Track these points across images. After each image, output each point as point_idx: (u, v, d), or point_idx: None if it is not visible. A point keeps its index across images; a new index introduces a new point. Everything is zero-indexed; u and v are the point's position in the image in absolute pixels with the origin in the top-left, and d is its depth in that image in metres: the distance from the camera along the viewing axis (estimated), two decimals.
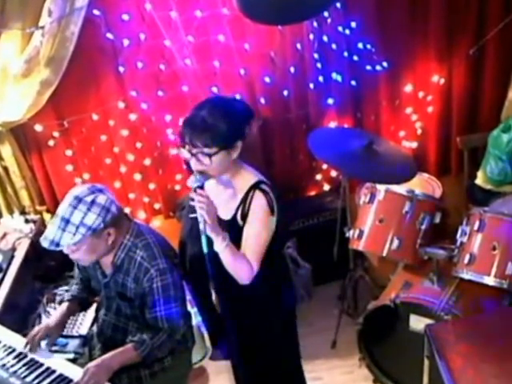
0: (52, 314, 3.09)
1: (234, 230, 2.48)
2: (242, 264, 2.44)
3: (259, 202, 2.47)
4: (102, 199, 2.45)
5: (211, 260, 2.36)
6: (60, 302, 2.93)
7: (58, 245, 2.43)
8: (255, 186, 2.49)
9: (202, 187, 2.41)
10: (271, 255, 2.56)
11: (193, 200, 2.36)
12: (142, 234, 2.62)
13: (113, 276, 2.64)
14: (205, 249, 2.34)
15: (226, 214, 2.54)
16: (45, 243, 2.44)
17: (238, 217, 2.51)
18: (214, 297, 2.53)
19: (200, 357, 3.50)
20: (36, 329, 2.73)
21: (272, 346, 2.84)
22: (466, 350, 2.46)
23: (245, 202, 2.49)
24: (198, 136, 2.35)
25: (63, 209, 2.43)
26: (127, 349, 2.60)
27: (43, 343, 2.70)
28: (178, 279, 2.62)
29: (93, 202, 2.43)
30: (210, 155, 2.37)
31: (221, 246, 2.37)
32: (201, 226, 2.33)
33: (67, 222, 2.40)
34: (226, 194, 2.56)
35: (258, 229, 2.48)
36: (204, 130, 2.35)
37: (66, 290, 3.30)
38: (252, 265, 2.46)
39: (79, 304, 2.89)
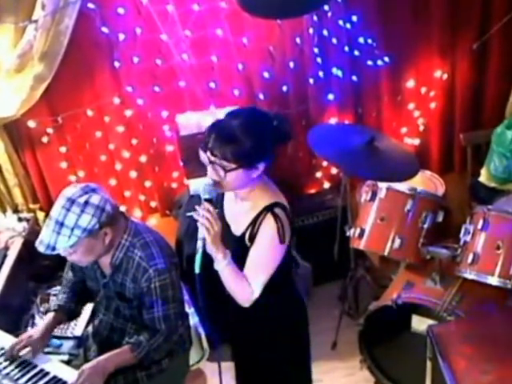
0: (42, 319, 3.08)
1: (240, 248, 2.37)
2: (242, 286, 2.33)
3: (269, 227, 2.31)
4: (95, 199, 2.43)
5: (201, 282, 2.23)
6: (46, 312, 2.88)
7: (54, 249, 2.40)
8: (268, 208, 2.32)
9: (210, 200, 2.26)
10: (279, 280, 2.43)
11: (196, 211, 2.25)
12: (140, 233, 2.61)
13: (112, 276, 2.64)
14: (197, 269, 2.21)
15: (237, 229, 2.43)
16: (41, 248, 2.41)
17: (246, 237, 2.36)
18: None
19: (197, 358, 3.50)
20: (18, 339, 2.70)
21: (281, 367, 2.74)
22: (469, 352, 2.47)
23: (254, 223, 2.33)
24: (220, 145, 2.20)
25: (56, 211, 2.41)
26: (123, 350, 2.60)
27: (23, 352, 2.66)
28: (176, 279, 2.61)
29: (86, 203, 2.40)
30: (225, 170, 2.23)
31: (221, 264, 2.27)
32: (198, 244, 2.22)
33: (61, 224, 2.37)
34: (242, 208, 2.42)
35: (263, 255, 2.34)
36: (227, 141, 2.20)
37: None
38: (253, 290, 2.33)
39: (66, 314, 2.85)
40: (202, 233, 2.22)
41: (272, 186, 2.44)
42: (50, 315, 2.80)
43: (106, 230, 2.47)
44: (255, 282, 2.33)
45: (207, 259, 2.26)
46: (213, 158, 2.23)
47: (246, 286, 2.33)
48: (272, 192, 2.41)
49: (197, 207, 2.24)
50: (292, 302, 2.66)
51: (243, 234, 2.38)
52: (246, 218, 2.37)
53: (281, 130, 2.32)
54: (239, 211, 2.43)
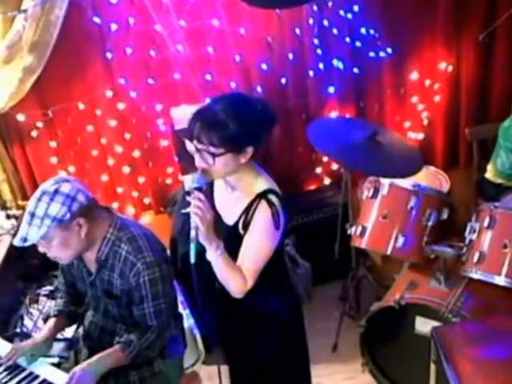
0: (40, 329, 3.07)
1: (234, 238, 2.41)
2: (235, 277, 2.36)
3: (263, 213, 2.35)
4: (65, 188, 2.43)
5: (198, 272, 2.26)
6: (46, 319, 2.86)
7: (25, 240, 2.40)
8: (262, 195, 2.37)
9: (201, 189, 2.29)
10: (271, 270, 2.46)
11: (188, 203, 2.25)
12: (127, 227, 2.60)
13: (98, 273, 2.63)
14: (192, 259, 2.24)
15: (229, 219, 2.47)
16: (15, 241, 2.42)
17: (240, 225, 2.41)
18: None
19: (192, 361, 3.49)
20: (22, 343, 2.69)
21: (275, 363, 2.76)
22: (475, 354, 2.46)
23: (248, 211, 2.38)
24: (206, 131, 2.24)
25: (30, 203, 2.43)
26: (114, 350, 2.59)
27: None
28: (166, 273, 2.60)
29: (56, 192, 2.41)
30: (214, 155, 2.26)
31: (214, 255, 2.30)
32: (192, 234, 2.24)
33: (32, 215, 2.39)
34: (233, 197, 2.47)
35: (258, 242, 2.38)
36: (213, 126, 2.23)
37: (51, 291, 3.30)
38: (246, 279, 2.36)
39: (67, 318, 2.85)
40: (194, 222, 2.23)
41: (263, 172, 2.48)
42: (51, 321, 2.79)
43: (79, 220, 2.45)
44: (249, 271, 2.37)
45: (199, 257, 2.28)
46: (200, 146, 2.27)
47: (239, 275, 2.36)
48: (264, 179, 2.45)
49: (187, 197, 2.27)
50: (286, 298, 2.70)
51: (236, 223, 2.42)
52: (239, 206, 2.42)
53: (265, 113, 2.35)
54: (230, 200, 2.48)
